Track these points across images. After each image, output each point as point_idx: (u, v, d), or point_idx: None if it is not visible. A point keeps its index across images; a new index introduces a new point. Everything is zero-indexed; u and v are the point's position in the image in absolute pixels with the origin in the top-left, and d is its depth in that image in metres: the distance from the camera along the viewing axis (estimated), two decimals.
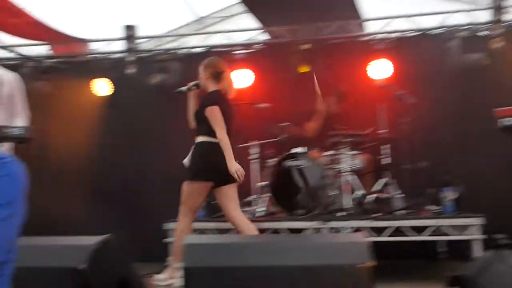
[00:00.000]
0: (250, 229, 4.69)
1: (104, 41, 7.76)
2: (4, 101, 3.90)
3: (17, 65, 7.45)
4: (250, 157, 6.09)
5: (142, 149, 6.97)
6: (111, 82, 7.25)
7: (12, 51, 5.75)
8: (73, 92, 6.93)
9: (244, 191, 6.07)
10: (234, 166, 4.58)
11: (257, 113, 6.23)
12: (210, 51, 7.34)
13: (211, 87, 4.78)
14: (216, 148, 4.61)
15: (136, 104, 7.11)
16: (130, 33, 7.32)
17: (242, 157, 6.05)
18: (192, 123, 4.89)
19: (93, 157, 7.09)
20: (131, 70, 7.22)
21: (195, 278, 2.19)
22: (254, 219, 5.60)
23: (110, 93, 7.26)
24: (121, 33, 7.41)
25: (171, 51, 7.42)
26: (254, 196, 5.97)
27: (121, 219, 6.57)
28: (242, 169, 4.64)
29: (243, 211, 5.56)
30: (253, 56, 7.14)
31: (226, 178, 4.65)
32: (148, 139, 7.03)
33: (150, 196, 6.66)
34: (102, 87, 7.27)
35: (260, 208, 5.77)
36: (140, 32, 7.49)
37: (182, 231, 4.71)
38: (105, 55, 7.60)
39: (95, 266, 2.22)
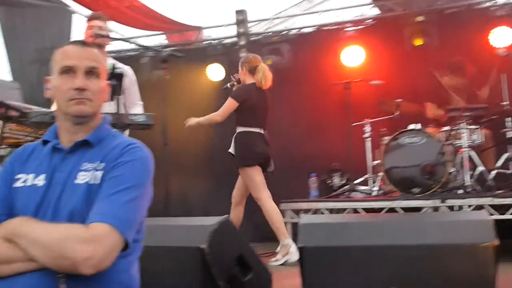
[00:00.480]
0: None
1: (216, 27, 7.98)
2: (125, 91, 4.18)
3: (136, 55, 7.90)
4: (364, 135, 6.02)
5: None
6: (224, 67, 7.44)
7: (131, 43, 6.10)
8: (189, 78, 7.20)
9: (359, 170, 6.01)
10: (192, 121, 5.14)
11: (370, 90, 6.13)
12: (320, 30, 7.30)
13: (248, 80, 5.12)
14: (252, 135, 5.01)
15: None
16: (241, 18, 7.42)
17: (356, 135, 6.00)
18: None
19: (209, 141, 7.34)
20: (243, 54, 7.34)
21: (311, 257, 2.21)
22: (369, 198, 5.55)
23: (222, 78, 7.45)
24: (233, 18, 7.54)
25: (281, 33, 7.45)
26: (369, 175, 5.90)
27: None
28: (189, 127, 5.15)
29: (358, 191, 5.55)
30: (364, 32, 6.98)
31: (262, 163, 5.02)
32: None
33: (265, 177, 6.75)
34: (216, 72, 7.48)
35: (375, 187, 5.70)
36: (250, 16, 7.59)
37: (269, 211, 4.92)
38: (218, 40, 7.80)
39: (214, 246, 2.31)
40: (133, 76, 4.61)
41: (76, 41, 1.83)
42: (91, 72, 1.72)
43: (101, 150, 1.71)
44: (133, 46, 8.05)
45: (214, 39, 7.89)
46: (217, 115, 5.06)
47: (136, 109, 4.42)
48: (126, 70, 4.40)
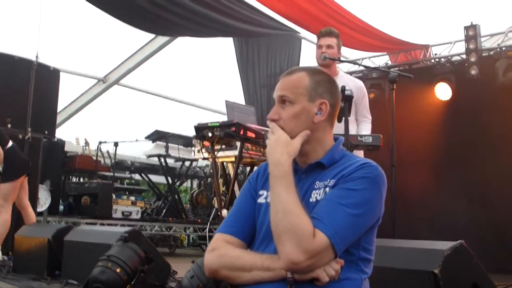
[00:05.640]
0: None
1: (444, 44, 7.72)
2: (355, 105, 4.21)
3: (361, 77, 7.99)
4: None
5: (485, 153, 6.67)
6: (451, 85, 7.15)
7: (359, 65, 6.19)
8: (416, 98, 7.04)
9: None
10: None
11: None
12: None
13: None
14: None
15: (478, 107, 6.83)
16: (471, 33, 7.03)
17: None
18: None
19: (436, 161, 7.06)
20: (474, 71, 6.94)
21: None
22: None
23: (450, 97, 7.16)
24: (461, 34, 7.20)
25: None
26: None
27: (471, 225, 6.37)
28: None
29: None
30: None
31: None
32: (491, 143, 6.66)
33: (499, 201, 6.30)
34: (443, 91, 7.23)
35: None
36: (482, 30, 7.15)
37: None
38: (446, 58, 7.51)
39: (448, 271, 2.23)
40: (364, 90, 4.55)
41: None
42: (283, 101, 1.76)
43: (335, 170, 1.72)
44: (356, 67, 8.15)
45: (442, 57, 7.62)
46: None
47: (364, 124, 4.41)
48: (358, 86, 4.40)
